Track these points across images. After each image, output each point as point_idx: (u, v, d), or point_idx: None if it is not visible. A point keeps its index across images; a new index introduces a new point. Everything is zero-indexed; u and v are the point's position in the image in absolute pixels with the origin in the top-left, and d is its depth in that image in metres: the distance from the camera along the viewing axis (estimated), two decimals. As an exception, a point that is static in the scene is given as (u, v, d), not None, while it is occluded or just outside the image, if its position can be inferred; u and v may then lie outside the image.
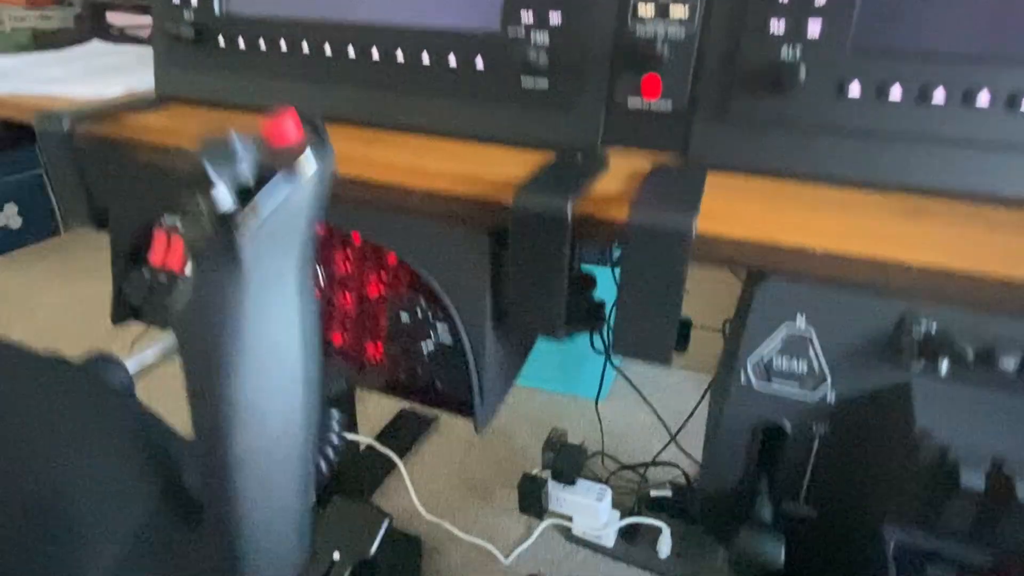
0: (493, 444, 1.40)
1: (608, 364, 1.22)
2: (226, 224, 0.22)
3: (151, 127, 0.50)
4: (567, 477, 1.14)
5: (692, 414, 1.02)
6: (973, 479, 0.27)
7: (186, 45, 0.53)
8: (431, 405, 0.45)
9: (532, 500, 1.10)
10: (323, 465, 0.35)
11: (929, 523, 0.28)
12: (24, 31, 2.53)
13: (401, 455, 1.31)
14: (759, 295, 0.33)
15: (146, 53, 0.84)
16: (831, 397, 0.33)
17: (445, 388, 0.42)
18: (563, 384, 1.57)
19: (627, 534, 1.18)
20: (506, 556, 1.12)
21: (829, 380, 0.33)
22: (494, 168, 0.41)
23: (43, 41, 2.53)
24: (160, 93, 0.56)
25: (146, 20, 2.50)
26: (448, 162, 0.43)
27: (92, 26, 2.57)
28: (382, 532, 0.97)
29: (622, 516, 1.16)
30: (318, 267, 0.41)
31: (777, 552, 0.31)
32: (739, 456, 0.35)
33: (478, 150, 0.45)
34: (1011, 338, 0.29)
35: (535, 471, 1.12)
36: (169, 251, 0.48)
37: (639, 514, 1.17)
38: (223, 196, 0.22)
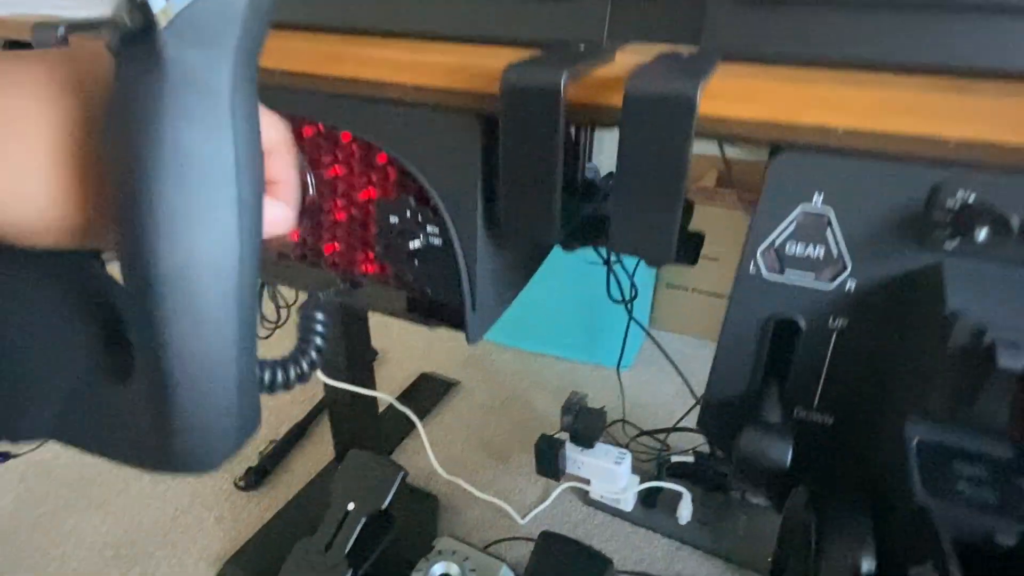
0: (513, 409, 1.39)
1: (630, 329, 1.19)
2: (145, 11, 0.20)
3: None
4: (585, 440, 1.12)
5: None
6: (1010, 360, 0.23)
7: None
8: (425, 319, 0.43)
9: (548, 461, 1.09)
10: (296, 367, 0.33)
11: (958, 418, 0.25)
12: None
13: (421, 416, 1.30)
14: (771, 172, 0.30)
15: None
16: (851, 286, 0.30)
17: (436, 296, 0.40)
18: (586, 353, 1.54)
19: (647, 499, 1.16)
20: (522, 517, 1.11)
21: (849, 268, 0.30)
22: (489, 61, 0.38)
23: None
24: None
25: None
26: (440, 57, 0.40)
27: None
28: (396, 485, 0.97)
29: (642, 481, 1.13)
30: (308, 172, 0.39)
31: (783, 452, 0.28)
32: (747, 356, 0.32)
33: (473, 48, 0.42)
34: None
35: (552, 433, 1.10)
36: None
37: (659, 479, 1.15)
38: (146, -7, 0.20)
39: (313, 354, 0.36)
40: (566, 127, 0.33)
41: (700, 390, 1.13)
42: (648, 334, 1.12)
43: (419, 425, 1.13)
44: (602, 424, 1.15)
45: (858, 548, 0.24)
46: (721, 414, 0.34)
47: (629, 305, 0.81)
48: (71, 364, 0.26)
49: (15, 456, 0.88)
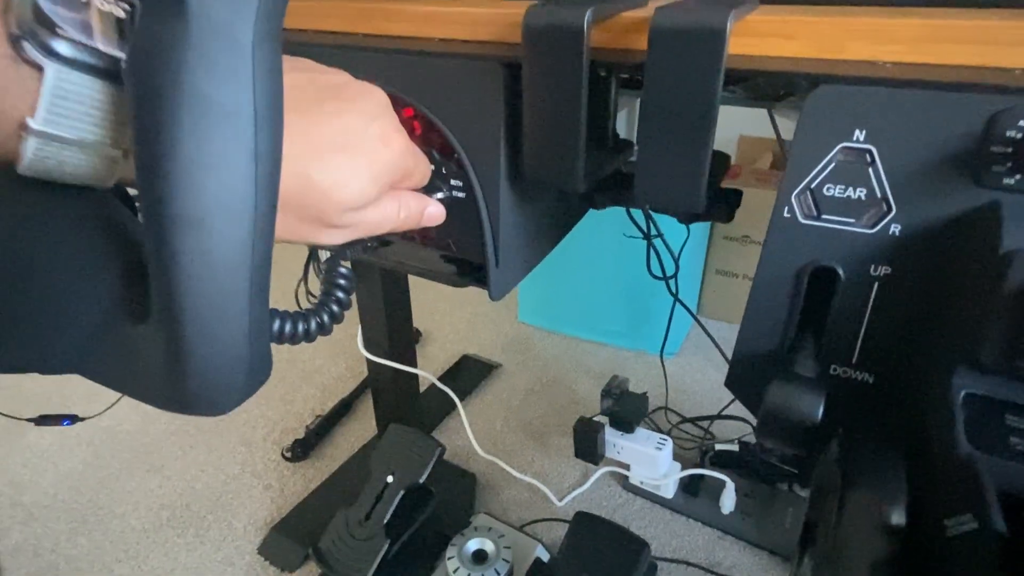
0: (554, 392, 1.38)
1: (675, 316, 1.16)
2: None
3: None
4: (626, 424, 1.10)
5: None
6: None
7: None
8: (449, 279, 0.42)
9: (587, 445, 1.07)
10: (317, 319, 0.33)
11: (1013, 369, 0.22)
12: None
13: (462, 397, 1.31)
14: (808, 108, 0.28)
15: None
16: (895, 230, 0.27)
17: (460, 251, 0.39)
18: (631, 339, 1.52)
19: (689, 487, 1.13)
20: (560, 499, 1.10)
21: (894, 211, 0.27)
22: (515, 10, 0.37)
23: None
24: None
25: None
26: (469, 7, 0.39)
27: None
28: (434, 460, 0.98)
29: (683, 469, 1.10)
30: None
31: (814, 406, 0.26)
32: (781, 307, 0.30)
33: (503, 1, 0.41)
34: None
35: (592, 416, 1.09)
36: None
37: (703, 467, 1.11)
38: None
39: (334, 307, 0.36)
40: (592, 71, 0.31)
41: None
42: (694, 317, 1.09)
43: (459, 405, 1.14)
44: (643, 409, 1.12)
45: (886, 499, 0.21)
46: (752, 370, 0.32)
47: (670, 283, 0.78)
48: (95, 300, 0.27)
49: (83, 419, 0.94)
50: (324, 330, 0.36)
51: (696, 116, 0.29)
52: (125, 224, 0.29)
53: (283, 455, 1.20)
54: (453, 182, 0.38)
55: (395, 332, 1.12)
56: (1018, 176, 0.24)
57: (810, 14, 0.30)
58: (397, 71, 0.39)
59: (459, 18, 0.38)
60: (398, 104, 0.40)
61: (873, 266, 0.28)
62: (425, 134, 0.39)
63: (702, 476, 1.10)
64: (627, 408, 1.11)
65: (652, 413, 1.31)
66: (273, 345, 0.31)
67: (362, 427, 1.29)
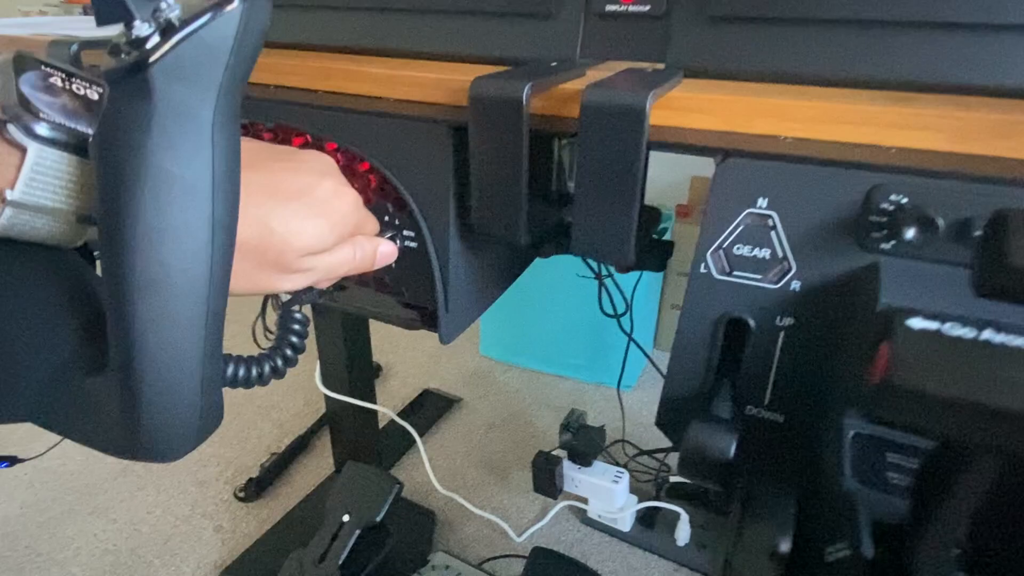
0: (514, 426, 1.39)
1: (629, 351, 1.19)
2: (139, 50, 0.22)
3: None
4: (583, 458, 1.11)
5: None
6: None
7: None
8: (403, 322, 0.44)
9: (545, 479, 1.08)
10: (271, 363, 0.35)
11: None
12: (95, 31, 2.70)
13: (422, 432, 1.31)
14: (719, 178, 0.31)
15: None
16: (796, 286, 0.31)
17: (412, 297, 0.41)
18: (590, 372, 1.54)
19: (645, 519, 1.14)
20: (519, 534, 1.10)
21: (794, 269, 0.31)
22: (465, 76, 0.40)
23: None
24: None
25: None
26: (419, 73, 0.42)
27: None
28: (391, 498, 0.97)
29: (640, 501, 1.12)
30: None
31: (727, 445, 0.28)
32: (701, 354, 0.33)
33: (455, 66, 0.45)
34: (987, 207, 0.27)
35: (550, 450, 1.10)
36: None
37: (658, 500, 1.13)
38: (140, 25, 0.22)
39: (288, 351, 0.37)
40: (534, 135, 0.35)
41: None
42: (645, 354, 1.12)
43: (419, 441, 1.14)
44: (600, 442, 1.14)
45: (775, 529, 0.24)
46: (677, 411, 0.35)
47: (621, 320, 0.81)
48: (53, 352, 0.28)
49: (23, 461, 0.90)
50: (277, 374, 0.37)
51: (624, 180, 0.32)
52: (86, 278, 0.30)
53: (236, 495, 1.17)
54: (406, 232, 0.41)
55: (354, 367, 1.12)
56: (893, 242, 0.28)
57: (723, 92, 0.34)
58: (355, 129, 0.41)
59: (414, 81, 0.40)
60: (355, 159, 0.42)
61: (779, 317, 0.31)
62: (380, 187, 0.41)
63: (658, 508, 1.12)
64: (585, 442, 1.12)
65: (610, 446, 1.34)
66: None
67: (319, 464, 1.27)
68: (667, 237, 1.47)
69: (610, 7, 0.40)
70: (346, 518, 0.98)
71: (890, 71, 0.33)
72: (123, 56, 0.24)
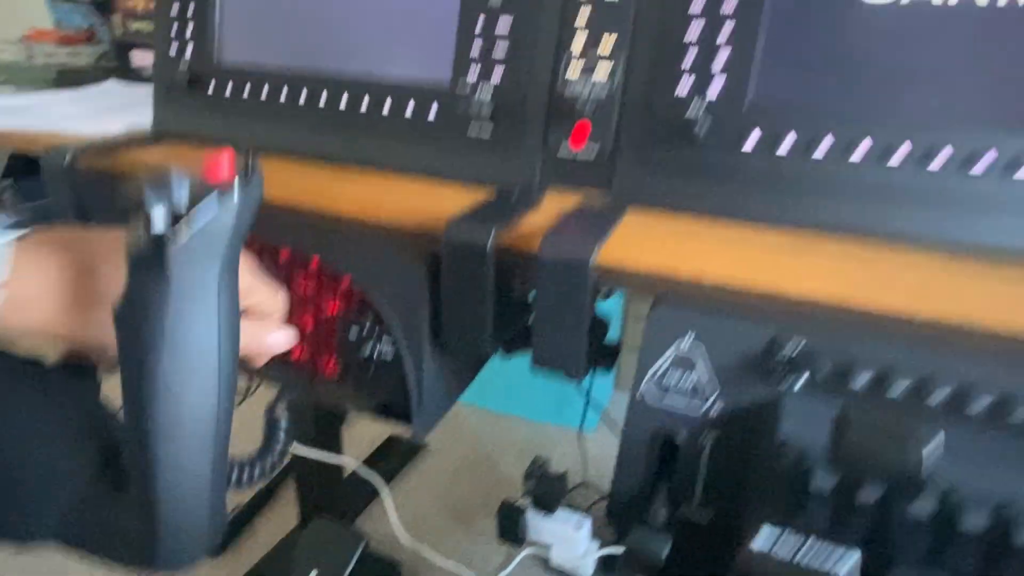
0: (479, 471, 1.43)
1: (592, 392, 1.25)
2: (157, 242, 0.27)
3: (146, 161, 0.56)
4: (546, 506, 1.16)
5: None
6: (823, 482, 0.30)
7: (181, 88, 0.59)
8: (377, 415, 0.49)
9: (510, 528, 1.12)
10: (260, 466, 0.39)
11: (795, 524, 0.31)
12: (54, 67, 2.67)
13: (388, 480, 1.33)
14: (653, 316, 0.37)
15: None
16: (716, 410, 0.37)
17: (388, 399, 0.46)
18: (552, 414, 1.60)
19: (607, 565, 1.19)
20: (483, 583, 1.14)
21: (715, 395, 0.37)
22: (439, 203, 0.46)
23: (68, 77, 2.67)
24: (157, 129, 0.62)
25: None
26: (399, 197, 0.48)
27: (119, 64, 2.72)
28: (357, 554, 0.99)
29: (601, 546, 1.16)
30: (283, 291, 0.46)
31: (661, 548, 0.34)
32: (640, 465, 0.39)
33: (430, 187, 0.50)
34: (866, 359, 0.33)
35: (515, 499, 1.14)
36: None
37: (618, 544, 1.18)
38: (157, 219, 0.27)
39: (277, 453, 0.42)
40: (499, 265, 0.40)
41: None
42: (586, 399, 1.18)
43: (384, 491, 1.17)
44: (563, 489, 1.19)
45: None
46: (623, 512, 0.40)
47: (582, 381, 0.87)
48: (75, 475, 0.32)
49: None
50: (273, 470, 0.41)
51: (575, 313, 0.38)
52: (101, 408, 0.34)
53: (200, 551, 1.16)
54: (384, 340, 0.45)
55: (320, 418, 1.14)
56: (790, 380, 0.34)
57: (658, 234, 0.40)
58: (337, 249, 0.46)
59: (393, 207, 0.46)
60: (338, 275, 0.47)
61: (703, 435, 0.37)
62: (362, 301, 0.46)
63: (619, 554, 1.17)
64: (548, 489, 1.17)
65: (573, 489, 1.38)
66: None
67: (284, 515, 1.28)
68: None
69: (561, 154, 0.47)
70: (314, 574, 0.99)
71: (791, 216, 0.40)
72: (139, 236, 0.28)
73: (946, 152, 0.37)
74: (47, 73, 2.40)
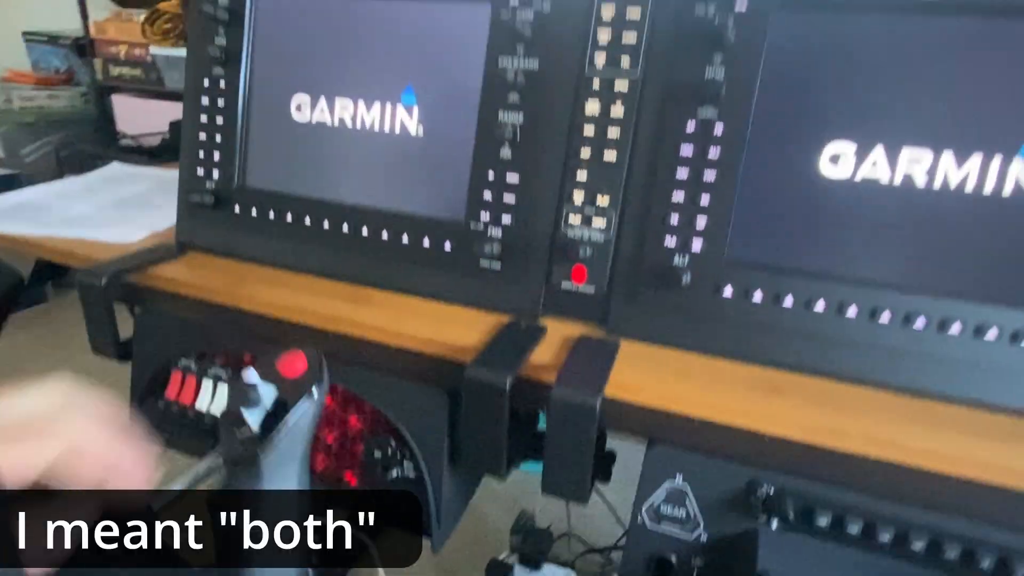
0: (465, 525, 1.45)
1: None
2: (251, 447, 0.32)
3: (173, 279, 0.60)
4: (533, 561, 1.20)
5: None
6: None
7: (206, 207, 0.64)
8: (396, 527, 0.53)
9: (499, 585, 1.16)
10: None
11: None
12: (31, 110, 2.67)
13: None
14: (648, 459, 0.43)
15: (161, 176, 0.96)
16: (704, 538, 0.43)
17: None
18: (536, 464, 1.64)
19: (591, 618, 1.23)
20: (473, 641, 1.16)
21: (702, 525, 0.43)
22: (456, 331, 0.51)
23: (50, 119, 2.67)
24: (180, 241, 0.66)
25: (147, 105, 2.63)
26: (418, 323, 0.53)
27: (99, 109, 2.72)
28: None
29: (586, 600, 1.21)
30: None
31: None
32: (639, 582, 0.45)
33: (445, 311, 0.56)
34: (827, 500, 0.40)
35: (503, 555, 1.18)
36: (183, 388, 0.57)
37: (602, 598, 1.23)
38: (249, 428, 0.32)
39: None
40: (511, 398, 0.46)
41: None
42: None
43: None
44: (548, 544, 1.24)
45: None
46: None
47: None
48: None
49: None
50: None
51: (582, 449, 0.44)
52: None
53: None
54: (406, 464, 0.50)
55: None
56: (765, 517, 0.40)
57: (652, 373, 0.47)
58: (362, 379, 0.51)
59: (413, 336, 0.51)
60: (363, 401, 0.52)
61: (693, 558, 0.43)
62: (386, 424, 0.51)
63: (602, 608, 1.21)
64: (534, 545, 1.21)
65: (558, 539, 1.42)
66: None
67: None
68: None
69: (565, 286, 0.53)
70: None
71: (763, 356, 0.47)
72: (236, 440, 0.33)
73: (889, 310, 0.44)
74: (27, 116, 2.40)
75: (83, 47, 2.66)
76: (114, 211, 0.79)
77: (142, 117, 2.53)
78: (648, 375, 0.47)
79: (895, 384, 0.45)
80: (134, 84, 2.53)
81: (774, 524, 0.40)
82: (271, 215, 0.62)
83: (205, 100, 0.63)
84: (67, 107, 2.64)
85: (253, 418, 0.32)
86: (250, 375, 0.32)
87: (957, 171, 0.43)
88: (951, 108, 0.43)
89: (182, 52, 2.58)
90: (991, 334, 0.42)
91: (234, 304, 0.57)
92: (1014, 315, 0.42)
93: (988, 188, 0.43)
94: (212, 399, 0.56)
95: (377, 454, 0.51)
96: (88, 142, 2.70)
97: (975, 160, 0.43)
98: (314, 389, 0.33)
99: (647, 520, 0.44)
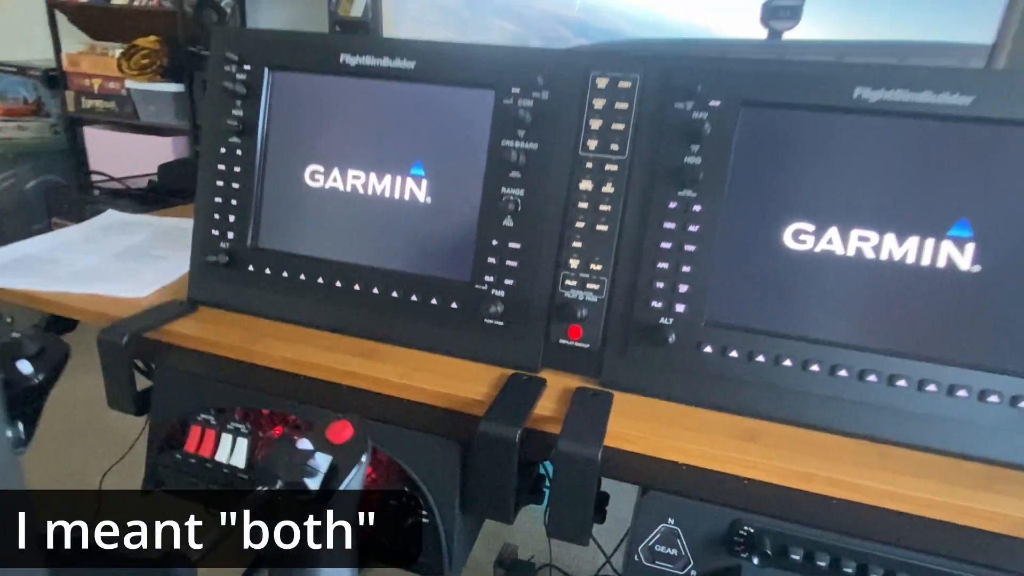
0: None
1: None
2: (314, 504, 0.36)
3: (190, 335, 0.63)
4: (518, 593, 1.23)
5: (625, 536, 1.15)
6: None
7: (219, 265, 0.68)
8: (410, 569, 0.57)
9: (486, 617, 1.18)
10: None
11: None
12: (1, 141, 2.63)
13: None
14: (642, 505, 0.49)
15: (158, 225, 0.98)
16: (694, 574, 0.48)
17: (423, 558, 0.55)
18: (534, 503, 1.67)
19: (575, 648, 1.26)
20: (460, 675, 1.19)
21: (692, 563, 0.48)
22: (464, 384, 0.56)
23: (18, 150, 2.63)
24: (192, 298, 0.70)
25: (120, 138, 2.62)
26: (428, 377, 0.58)
27: (70, 141, 2.70)
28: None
29: (570, 630, 1.24)
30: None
31: None
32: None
33: (452, 365, 0.61)
34: (799, 538, 0.46)
35: (489, 589, 1.21)
36: (203, 442, 0.60)
37: (585, 627, 1.26)
38: (312, 486, 0.36)
39: None
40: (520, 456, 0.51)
41: (622, 528, 1.29)
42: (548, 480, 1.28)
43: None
44: (532, 576, 1.27)
45: None
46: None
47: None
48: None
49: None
50: None
51: (584, 495, 0.49)
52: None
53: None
54: (420, 511, 0.55)
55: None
56: (747, 553, 0.46)
57: (645, 422, 0.52)
58: (378, 432, 0.55)
59: (423, 390, 0.56)
60: (377, 451, 0.56)
61: (685, 593, 0.48)
62: (401, 474, 0.55)
63: (585, 637, 1.25)
64: (518, 577, 1.25)
65: (540, 570, 1.46)
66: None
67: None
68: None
69: (562, 341, 0.59)
70: None
71: (742, 406, 0.53)
72: (295, 502, 0.37)
73: (845, 367, 0.51)
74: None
75: (54, 78, 2.65)
76: (118, 263, 0.81)
77: (114, 149, 2.51)
78: (640, 425, 0.52)
79: (854, 432, 0.51)
80: (107, 117, 2.52)
81: (755, 560, 0.46)
82: (284, 274, 0.66)
83: (221, 166, 0.68)
84: (35, 138, 2.61)
85: (313, 484, 0.36)
86: (304, 444, 0.36)
87: (899, 248, 0.51)
88: (892, 196, 0.51)
89: (159, 87, 2.59)
90: (931, 388, 0.50)
91: (250, 360, 0.61)
92: (950, 372, 0.50)
93: (925, 262, 0.51)
94: (232, 452, 0.59)
95: (392, 502, 0.55)
96: (57, 173, 2.66)
97: (912, 239, 0.51)
98: (363, 457, 0.38)
99: (643, 558, 0.49)
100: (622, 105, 0.56)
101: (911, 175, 0.51)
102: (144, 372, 0.74)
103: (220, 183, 0.68)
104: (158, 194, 1.24)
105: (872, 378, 0.51)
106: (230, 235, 0.68)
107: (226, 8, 2.96)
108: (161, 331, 0.64)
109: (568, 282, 0.58)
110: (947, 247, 0.50)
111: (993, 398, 0.48)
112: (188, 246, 0.71)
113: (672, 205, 0.55)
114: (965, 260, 0.50)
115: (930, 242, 0.50)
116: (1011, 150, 0.49)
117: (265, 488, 0.38)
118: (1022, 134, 0.48)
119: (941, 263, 0.51)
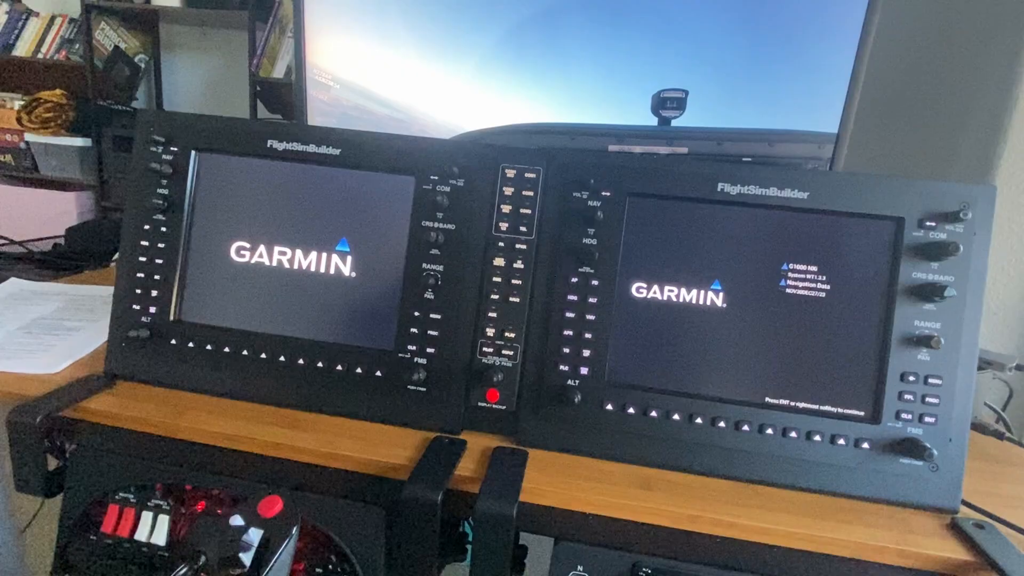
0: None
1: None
2: None
3: (109, 412, 0.63)
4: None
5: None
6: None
7: (140, 340, 0.68)
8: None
9: None
10: None
11: None
12: None
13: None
14: (555, 554, 0.54)
15: (67, 293, 0.96)
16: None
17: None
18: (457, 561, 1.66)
19: None
20: None
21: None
22: (388, 449, 0.60)
23: None
24: (109, 371, 0.69)
25: (20, 192, 2.47)
26: (354, 444, 0.61)
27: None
28: None
29: None
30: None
31: None
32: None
33: (377, 431, 0.64)
34: (692, 575, 0.52)
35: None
36: (120, 522, 0.59)
37: None
38: (246, 560, 0.38)
39: None
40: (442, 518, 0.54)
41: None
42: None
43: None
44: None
45: None
46: None
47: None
48: None
49: None
50: None
51: (502, 547, 0.53)
52: None
53: None
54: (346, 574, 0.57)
55: None
56: (647, 592, 0.52)
57: (556, 477, 0.58)
58: (306, 500, 0.57)
59: (348, 457, 0.59)
60: (305, 520, 0.58)
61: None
62: (326, 540, 0.57)
63: None
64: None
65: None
66: None
67: None
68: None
69: (481, 404, 0.64)
70: None
71: (640, 458, 0.60)
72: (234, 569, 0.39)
73: (723, 419, 0.60)
74: None
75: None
76: (27, 337, 0.79)
77: (14, 205, 2.37)
78: (552, 479, 0.58)
79: (734, 475, 0.59)
80: (3, 170, 2.38)
81: (655, 597, 0.51)
82: (208, 347, 0.68)
83: (144, 242, 0.69)
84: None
85: (247, 558, 0.38)
86: (236, 520, 0.39)
87: (724, 304, 0.61)
88: (723, 264, 0.61)
89: (61, 140, 2.49)
90: (793, 434, 0.59)
91: (175, 435, 0.62)
92: (808, 420, 0.59)
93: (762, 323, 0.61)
94: (152, 530, 0.59)
95: (319, 570, 0.57)
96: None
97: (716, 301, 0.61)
98: (294, 530, 0.40)
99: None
100: (528, 193, 0.64)
101: (747, 253, 0.61)
102: (55, 452, 0.71)
103: (143, 258, 0.69)
104: (65, 259, 1.20)
105: (745, 428, 0.59)
106: (152, 309, 0.69)
107: (139, 63, 2.91)
108: (78, 408, 0.63)
109: (485, 349, 0.64)
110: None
111: (816, 437, 0.58)
112: (103, 315, 0.70)
113: (574, 280, 0.63)
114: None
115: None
116: (842, 234, 0.60)
117: (190, 566, 0.40)
118: (848, 222, 0.60)
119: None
